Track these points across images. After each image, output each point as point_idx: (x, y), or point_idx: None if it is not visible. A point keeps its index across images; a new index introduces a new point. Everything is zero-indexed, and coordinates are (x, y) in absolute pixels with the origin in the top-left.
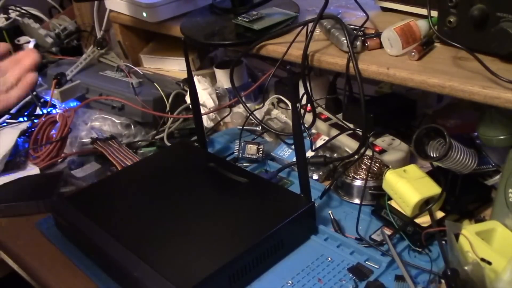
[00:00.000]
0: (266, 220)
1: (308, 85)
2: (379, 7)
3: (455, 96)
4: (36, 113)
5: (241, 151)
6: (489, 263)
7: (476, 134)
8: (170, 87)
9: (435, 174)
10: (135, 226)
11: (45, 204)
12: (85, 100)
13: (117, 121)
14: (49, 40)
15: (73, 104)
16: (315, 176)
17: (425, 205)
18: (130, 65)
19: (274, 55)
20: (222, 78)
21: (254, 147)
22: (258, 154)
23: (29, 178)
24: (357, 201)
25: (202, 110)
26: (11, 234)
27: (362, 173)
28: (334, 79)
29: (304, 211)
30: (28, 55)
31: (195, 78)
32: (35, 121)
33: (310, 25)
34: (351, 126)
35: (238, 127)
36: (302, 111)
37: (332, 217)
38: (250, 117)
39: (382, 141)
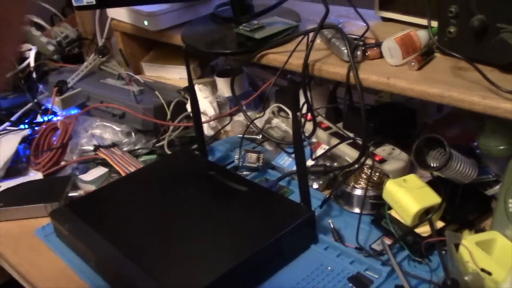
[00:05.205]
0: (266, 229)
1: (308, 94)
2: (380, 17)
3: (455, 106)
4: (37, 120)
5: (241, 160)
6: (489, 273)
7: (476, 144)
8: (171, 95)
9: (435, 184)
10: (134, 234)
11: (53, 207)
12: (86, 107)
13: (117, 128)
14: (51, 47)
15: (74, 111)
16: (315, 185)
17: (425, 215)
18: (131, 73)
19: (275, 64)
20: (223, 86)
21: (255, 155)
22: (259, 163)
23: (37, 182)
24: (357, 210)
25: (203, 119)
26: (11, 242)
27: (362, 183)
28: (335, 88)
29: (304, 220)
30: None
31: (196, 87)
32: (36, 128)
33: (311, 34)
34: (351, 135)
35: (239, 135)
36: (303, 120)
37: (332, 226)
38: (251, 125)
39: (382, 151)
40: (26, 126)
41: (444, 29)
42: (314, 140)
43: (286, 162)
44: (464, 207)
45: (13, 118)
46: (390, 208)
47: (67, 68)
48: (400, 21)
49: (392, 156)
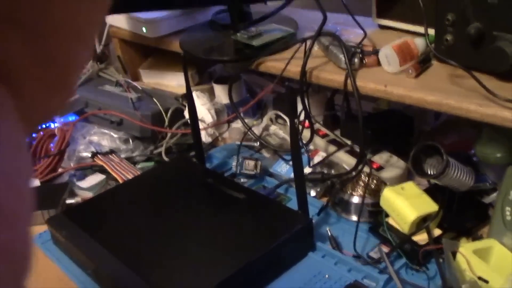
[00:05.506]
0: (263, 236)
1: (306, 101)
2: (377, 24)
3: (452, 114)
4: None
5: (239, 167)
6: (486, 281)
7: (473, 151)
8: (169, 102)
9: (432, 191)
10: (132, 242)
11: (50, 214)
12: (83, 114)
13: (115, 135)
14: None
15: (71, 118)
16: (313, 193)
17: (422, 223)
18: (129, 80)
19: (273, 71)
20: (221, 93)
21: (252, 162)
22: (256, 170)
23: (34, 188)
24: (354, 218)
25: (201, 125)
26: None
27: (359, 190)
28: (332, 95)
29: (302, 228)
30: None
31: (194, 93)
32: (33, 135)
33: (309, 42)
34: (349, 142)
35: (236, 142)
36: (300, 127)
37: (329, 234)
38: (248, 132)
39: (379, 158)
40: None
41: (441, 37)
42: (311, 147)
43: (284, 169)
44: (462, 215)
45: None
46: (387, 215)
47: None
48: (398, 29)
49: (390, 163)
